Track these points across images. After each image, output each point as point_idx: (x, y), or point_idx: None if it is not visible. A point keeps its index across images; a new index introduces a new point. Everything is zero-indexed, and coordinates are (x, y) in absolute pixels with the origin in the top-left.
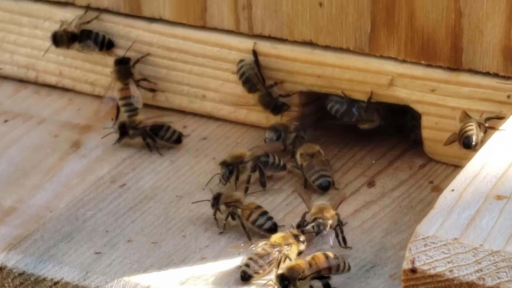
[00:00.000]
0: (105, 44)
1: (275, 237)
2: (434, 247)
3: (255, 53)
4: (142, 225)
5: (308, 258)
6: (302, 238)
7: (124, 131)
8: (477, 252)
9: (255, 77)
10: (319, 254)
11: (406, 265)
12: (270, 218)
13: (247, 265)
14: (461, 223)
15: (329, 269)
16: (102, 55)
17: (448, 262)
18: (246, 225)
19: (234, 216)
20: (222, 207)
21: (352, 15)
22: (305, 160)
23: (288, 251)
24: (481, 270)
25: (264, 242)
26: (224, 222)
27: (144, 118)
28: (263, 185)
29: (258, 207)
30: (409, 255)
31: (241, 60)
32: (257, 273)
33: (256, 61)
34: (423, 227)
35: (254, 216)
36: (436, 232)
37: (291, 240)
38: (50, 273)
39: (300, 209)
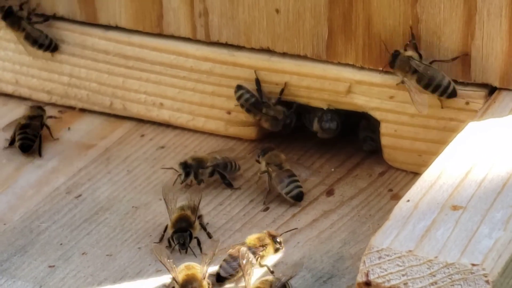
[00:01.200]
0: (51, 47)
1: (250, 239)
2: (388, 260)
3: (258, 81)
4: (97, 237)
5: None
6: (279, 239)
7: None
8: (431, 264)
9: (258, 104)
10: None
11: (360, 278)
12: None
13: (221, 267)
14: (416, 235)
15: None
16: (51, 60)
17: (403, 275)
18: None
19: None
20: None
21: (309, 21)
22: (272, 170)
23: (263, 252)
24: (435, 283)
25: (239, 244)
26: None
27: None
28: (230, 185)
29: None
30: (363, 268)
31: (239, 87)
32: (231, 275)
33: (259, 89)
34: (377, 239)
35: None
36: (390, 244)
37: (267, 240)
38: (3, 287)
39: (258, 218)
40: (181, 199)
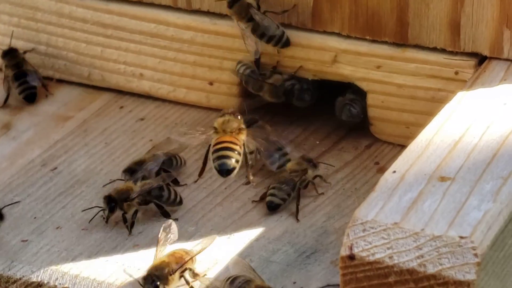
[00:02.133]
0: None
1: (290, 164)
2: (373, 232)
3: (257, 62)
4: (72, 211)
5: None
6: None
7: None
8: (418, 237)
9: (255, 74)
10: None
11: (344, 252)
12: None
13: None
14: (402, 207)
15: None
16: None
17: (388, 248)
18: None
19: None
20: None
21: None
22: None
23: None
24: (422, 256)
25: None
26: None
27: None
28: (167, 215)
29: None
30: (347, 241)
31: (239, 62)
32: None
33: (257, 60)
34: (362, 211)
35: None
36: (375, 217)
37: (305, 165)
38: None
39: (240, 192)
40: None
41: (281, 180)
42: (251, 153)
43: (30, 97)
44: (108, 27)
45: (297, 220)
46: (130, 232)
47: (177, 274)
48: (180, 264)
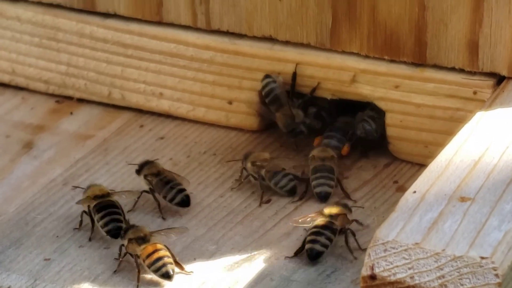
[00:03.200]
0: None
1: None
2: (394, 253)
3: (294, 76)
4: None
5: None
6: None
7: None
8: (439, 257)
9: (284, 96)
10: None
11: (365, 272)
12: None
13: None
14: (423, 227)
15: None
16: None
17: (409, 268)
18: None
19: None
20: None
21: (313, 9)
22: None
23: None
24: (443, 277)
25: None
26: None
27: None
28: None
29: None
30: (368, 261)
31: (267, 76)
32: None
33: (293, 85)
34: (383, 232)
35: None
36: (396, 237)
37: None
38: None
39: (259, 211)
40: None
41: (319, 224)
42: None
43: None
44: (128, 47)
45: (354, 258)
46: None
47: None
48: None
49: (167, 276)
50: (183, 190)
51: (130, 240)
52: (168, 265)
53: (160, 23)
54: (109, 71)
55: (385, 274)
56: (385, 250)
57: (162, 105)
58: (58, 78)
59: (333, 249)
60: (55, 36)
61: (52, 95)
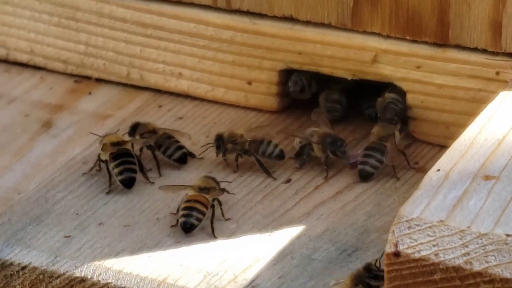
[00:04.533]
0: None
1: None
2: (418, 230)
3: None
4: (114, 208)
5: None
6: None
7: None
8: (464, 234)
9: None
10: None
11: (389, 249)
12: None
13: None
14: (447, 205)
15: None
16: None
17: (434, 246)
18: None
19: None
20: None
21: None
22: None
23: None
24: (468, 254)
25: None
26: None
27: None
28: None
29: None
30: (392, 238)
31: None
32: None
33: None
34: (407, 209)
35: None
36: (421, 214)
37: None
38: (17, 257)
39: (279, 190)
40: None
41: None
42: None
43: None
44: (147, 27)
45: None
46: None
47: None
48: None
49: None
50: (182, 147)
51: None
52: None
53: (180, 2)
54: (128, 51)
55: (409, 251)
56: (409, 227)
57: (181, 85)
58: (76, 57)
59: (354, 230)
60: (74, 15)
61: (70, 75)
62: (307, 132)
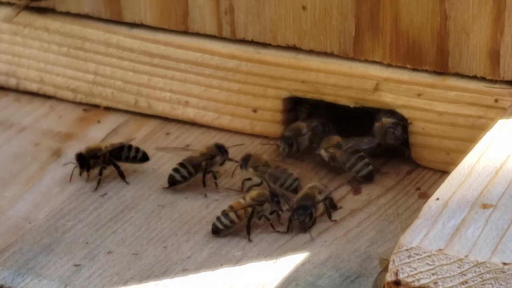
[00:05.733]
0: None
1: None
2: (418, 259)
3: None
4: (122, 236)
5: None
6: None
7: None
8: (462, 263)
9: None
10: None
11: (390, 277)
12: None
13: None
14: (446, 233)
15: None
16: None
17: (433, 274)
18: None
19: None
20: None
21: (336, 18)
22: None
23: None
24: (466, 282)
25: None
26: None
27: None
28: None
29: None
30: (393, 267)
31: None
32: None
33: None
34: (407, 238)
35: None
36: (420, 243)
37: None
38: (28, 286)
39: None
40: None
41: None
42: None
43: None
44: (154, 56)
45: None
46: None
47: None
48: None
49: None
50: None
51: None
52: None
53: (186, 32)
54: (136, 80)
55: (409, 279)
56: (409, 256)
57: (187, 113)
58: (85, 86)
59: (357, 257)
60: (83, 45)
61: (79, 103)
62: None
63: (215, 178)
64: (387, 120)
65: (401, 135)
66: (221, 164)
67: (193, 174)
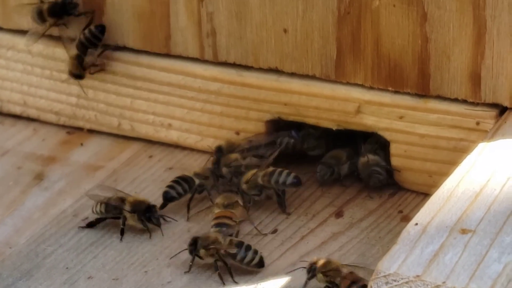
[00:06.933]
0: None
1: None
2: (396, 285)
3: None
4: (103, 261)
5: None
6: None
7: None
8: None
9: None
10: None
11: None
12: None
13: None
14: (424, 259)
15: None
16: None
17: None
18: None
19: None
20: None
21: (318, 41)
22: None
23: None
24: None
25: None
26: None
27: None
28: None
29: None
30: None
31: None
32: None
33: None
34: (385, 264)
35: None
36: (398, 269)
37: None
38: None
39: (266, 241)
40: None
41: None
42: None
43: None
44: (137, 79)
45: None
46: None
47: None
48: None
49: None
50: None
51: None
52: None
53: (168, 55)
54: (119, 103)
55: None
56: (386, 283)
57: (171, 136)
58: (68, 109)
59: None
60: (66, 68)
61: (63, 126)
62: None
63: (210, 195)
64: (373, 160)
65: (384, 179)
66: (211, 187)
67: (187, 191)
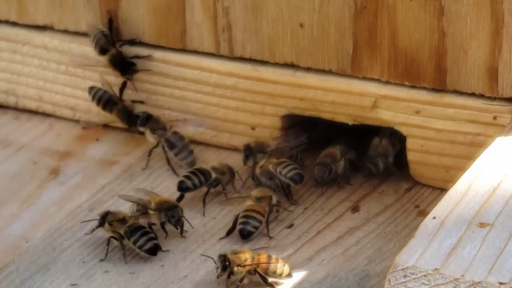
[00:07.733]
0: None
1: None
2: (414, 278)
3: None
4: (120, 255)
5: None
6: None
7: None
8: (458, 283)
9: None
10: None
11: None
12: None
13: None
14: (442, 253)
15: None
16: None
17: None
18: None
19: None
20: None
21: (334, 36)
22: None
23: None
24: None
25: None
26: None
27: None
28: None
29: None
30: (389, 287)
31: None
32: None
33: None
34: (402, 257)
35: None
36: (416, 262)
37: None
38: None
39: (282, 236)
40: None
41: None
42: None
43: None
44: (153, 74)
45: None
46: None
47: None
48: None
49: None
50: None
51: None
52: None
53: (184, 50)
54: (134, 98)
55: None
56: (405, 276)
57: (186, 131)
58: (84, 104)
59: (355, 275)
60: (81, 63)
61: (78, 121)
62: None
63: (224, 189)
64: (383, 147)
65: (375, 172)
66: (227, 183)
67: (203, 184)
